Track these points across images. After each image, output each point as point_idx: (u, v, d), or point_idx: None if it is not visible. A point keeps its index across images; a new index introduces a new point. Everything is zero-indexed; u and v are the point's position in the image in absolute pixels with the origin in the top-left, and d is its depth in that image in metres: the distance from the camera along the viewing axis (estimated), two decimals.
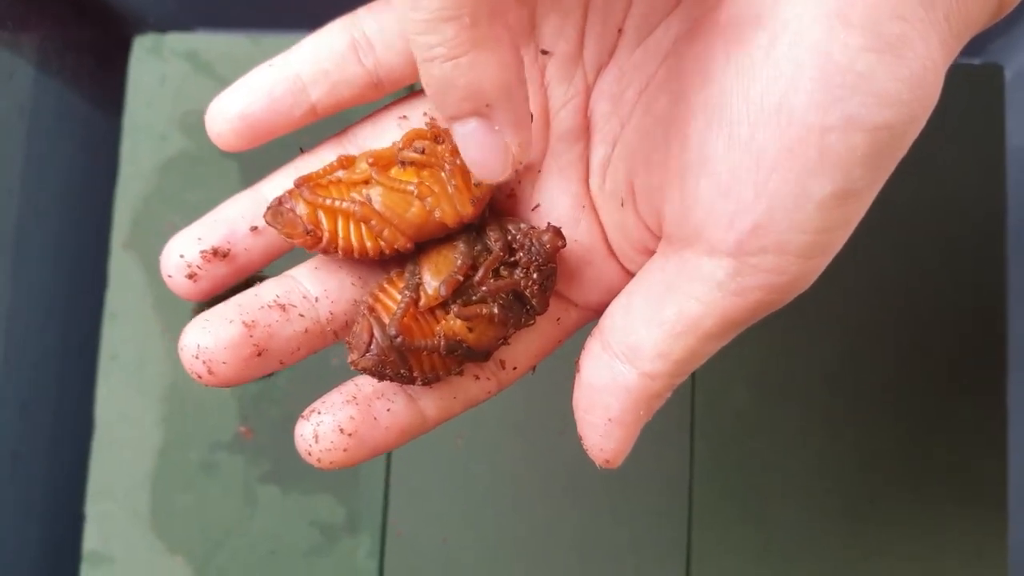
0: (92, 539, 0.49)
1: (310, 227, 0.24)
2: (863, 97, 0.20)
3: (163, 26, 0.56)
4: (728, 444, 0.49)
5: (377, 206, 0.23)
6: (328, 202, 0.24)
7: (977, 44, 0.60)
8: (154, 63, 0.52)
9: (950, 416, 0.49)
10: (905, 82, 0.20)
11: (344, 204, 0.24)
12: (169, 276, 0.25)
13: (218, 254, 0.25)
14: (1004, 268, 0.50)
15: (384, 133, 0.26)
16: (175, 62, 0.52)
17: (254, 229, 0.25)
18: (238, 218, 0.25)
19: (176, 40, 0.52)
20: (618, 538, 0.49)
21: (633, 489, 0.49)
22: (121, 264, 0.51)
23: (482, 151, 0.21)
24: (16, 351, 0.52)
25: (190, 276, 0.25)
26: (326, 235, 0.24)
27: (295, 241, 0.24)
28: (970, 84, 0.52)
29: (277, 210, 0.24)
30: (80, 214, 0.56)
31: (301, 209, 0.24)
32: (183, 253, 0.25)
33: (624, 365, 0.24)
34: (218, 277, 0.25)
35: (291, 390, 0.50)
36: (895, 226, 0.50)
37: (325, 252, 0.25)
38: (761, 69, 0.20)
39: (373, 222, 0.24)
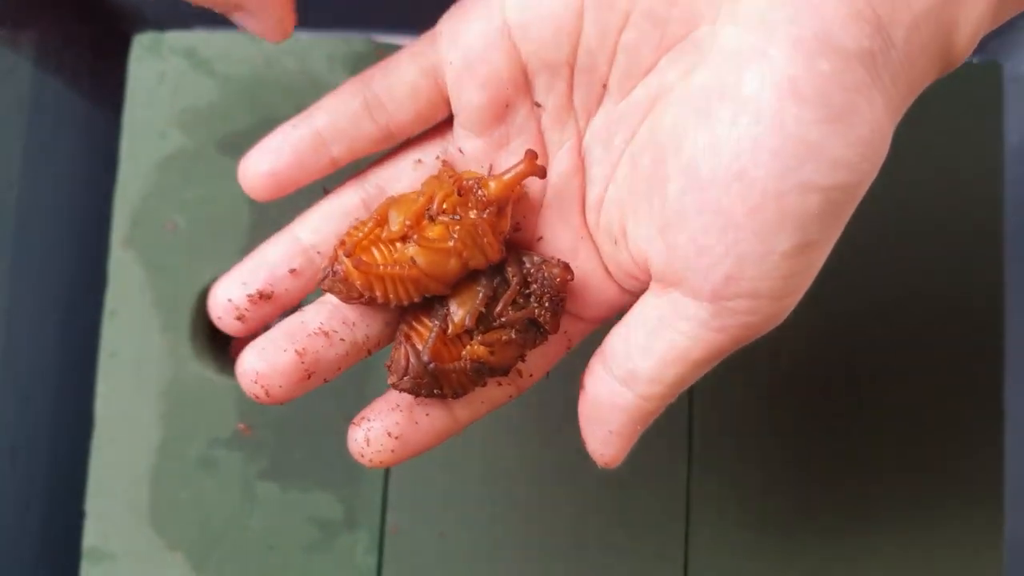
0: (92, 535, 0.49)
1: (365, 292, 0.27)
2: (815, 164, 0.23)
3: (162, 23, 0.56)
4: (725, 442, 0.50)
5: (421, 265, 0.27)
6: (380, 269, 0.27)
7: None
8: (153, 61, 0.52)
9: (947, 414, 0.50)
10: (854, 147, 0.23)
11: (395, 270, 0.27)
12: (219, 318, 0.29)
13: (263, 296, 0.28)
14: (1002, 266, 0.51)
15: (401, 175, 0.29)
16: (174, 60, 0.52)
17: (292, 271, 0.29)
18: (277, 262, 0.29)
19: (175, 38, 0.52)
20: (615, 535, 0.49)
21: (631, 486, 0.49)
22: (120, 262, 0.51)
23: (253, 28, 0.27)
24: (15, 348, 0.52)
25: (238, 318, 0.28)
26: (379, 296, 0.27)
27: (350, 303, 0.28)
28: (969, 82, 0.52)
29: (332, 281, 0.28)
30: (79, 211, 0.56)
31: (356, 279, 0.27)
32: (230, 297, 0.29)
33: (623, 387, 0.27)
34: (262, 316, 0.29)
35: None
36: (893, 224, 0.50)
37: (372, 304, 0.28)
38: (725, 143, 0.23)
39: (420, 281, 0.27)
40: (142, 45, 0.52)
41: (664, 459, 0.49)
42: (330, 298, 0.29)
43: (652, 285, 0.27)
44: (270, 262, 0.29)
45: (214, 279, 0.50)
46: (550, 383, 0.49)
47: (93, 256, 0.54)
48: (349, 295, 0.28)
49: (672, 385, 0.27)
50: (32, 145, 0.52)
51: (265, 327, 0.29)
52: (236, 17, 0.27)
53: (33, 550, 0.52)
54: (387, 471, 0.50)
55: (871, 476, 0.49)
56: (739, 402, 0.50)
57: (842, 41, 0.22)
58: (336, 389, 0.50)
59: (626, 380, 0.27)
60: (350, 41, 0.52)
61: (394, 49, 0.52)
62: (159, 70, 0.52)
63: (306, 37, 0.53)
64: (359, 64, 0.52)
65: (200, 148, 0.52)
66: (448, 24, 0.28)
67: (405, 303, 0.28)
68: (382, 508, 0.49)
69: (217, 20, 0.59)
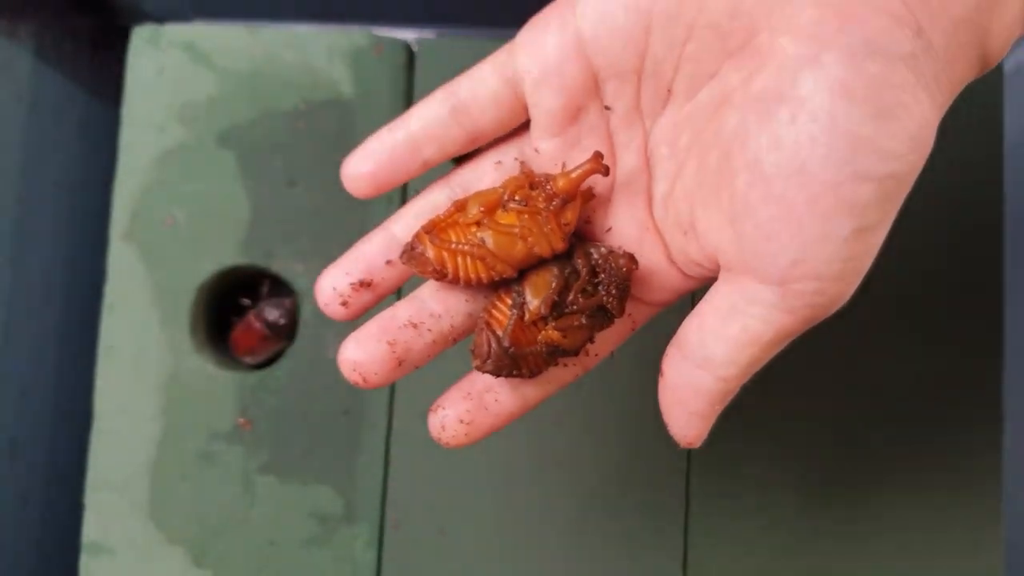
0: (91, 529, 0.49)
1: (438, 267, 0.30)
2: (867, 156, 0.25)
3: (161, 16, 0.56)
4: (725, 437, 0.50)
5: (489, 246, 0.30)
6: (453, 246, 0.30)
7: None
8: (152, 54, 0.52)
9: (946, 410, 0.50)
10: (902, 140, 0.25)
11: (465, 247, 0.30)
12: (326, 304, 0.31)
13: (363, 285, 0.31)
14: (1001, 263, 0.51)
15: (483, 176, 0.32)
16: (173, 53, 0.52)
17: (388, 262, 0.32)
18: (375, 255, 0.32)
19: (174, 31, 0.52)
20: (615, 529, 0.49)
21: (630, 480, 0.49)
22: (120, 255, 0.51)
23: None
24: (15, 342, 0.52)
25: (343, 304, 0.31)
26: (450, 271, 0.30)
27: (425, 276, 0.31)
28: None
29: (411, 254, 0.31)
30: (78, 205, 0.56)
31: (430, 252, 0.30)
32: (335, 286, 0.31)
33: (701, 371, 0.29)
34: (364, 302, 0.32)
35: (289, 382, 0.50)
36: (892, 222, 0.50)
37: (447, 282, 0.31)
38: (785, 140, 0.26)
39: (488, 260, 0.30)
40: (141, 38, 0.52)
41: (663, 453, 0.49)
42: (419, 294, 0.32)
43: (722, 275, 0.29)
44: (368, 254, 0.32)
45: (214, 273, 0.51)
46: None
47: (92, 250, 0.54)
48: (424, 269, 0.30)
49: (746, 367, 0.29)
50: (31, 138, 0.52)
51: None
52: None
53: (32, 543, 0.52)
54: (386, 464, 0.50)
55: (870, 471, 0.49)
56: (739, 397, 0.50)
57: (887, 46, 0.25)
58: (335, 384, 0.50)
59: (703, 364, 0.29)
60: (349, 34, 0.52)
61: (393, 42, 0.52)
62: (158, 63, 0.52)
63: (305, 30, 0.53)
64: (358, 57, 0.52)
65: (199, 142, 0.51)
66: (526, 36, 0.30)
67: (474, 282, 0.31)
68: (382, 502, 0.49)
69: (216, 13, 0.59)
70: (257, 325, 0.52)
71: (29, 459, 0.52)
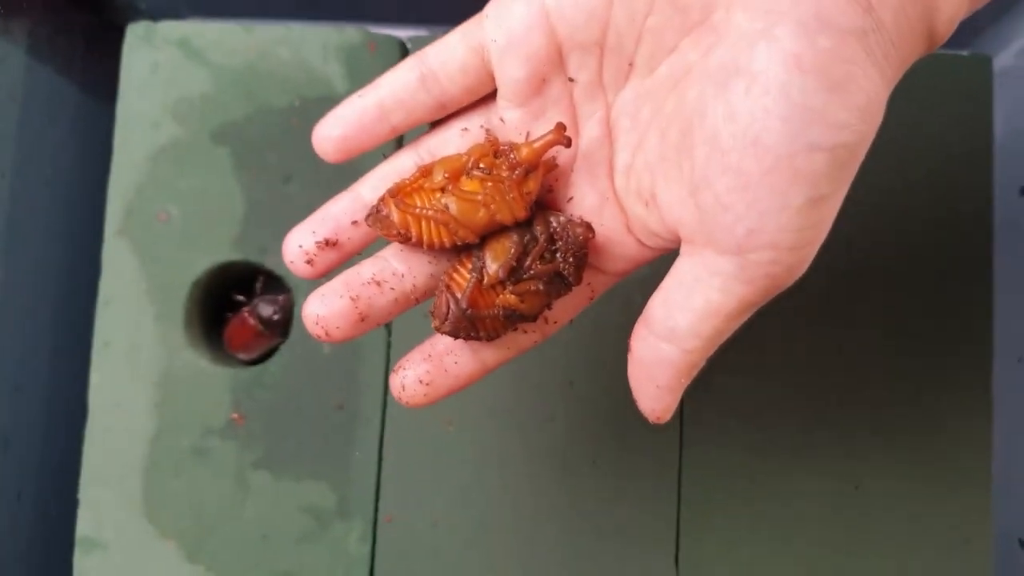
0: (85, 524, 0.49)
1: (402, 230, 0.31)
2: (820, 127, 0.26)
3: (155, 13, 0.56)
4: (716, 430, 0.50)
5: (452, 212, 0.31)
6: (417, 211, 0.31)
7: (966, 35, 0.60)
8: (146, 51, 0.52)
9: (936, 404, 0.50)
10: (852, 111, 0.26)
11: (429, 212, 0.31)
12: (291, 262, 0.32)
13: (329, 244, 0.32)
14: (990, 257, 0.51)
15: (449, 142, 0.33)
16: (167, 50, 0.52)
17: (354, 223, 0.32)
18: (341, 215, 0.32)
19: (168, 28, 0.52)
20: (607, 523, 0.49)
21: (623, 473, 0.49)
22: (114, 251, 0.51)
23: None
24: (9, 338, 0.52)
25: (308, 262, 0.32)
26: (414, 235, 0.31)
27: (390, 238, 0.32)
28: (959, 74, 0.52)
29: (376, 217, 0.31)
30: (73, 201, 0.56)
31: (395, 216, 0.31)
32: (301, 244, 0.32)
33: (667, 344, 0.30)
34: (329, 261, 0.32)
35: (283, 378, 0.50)
36: (883, 214, 0.51)
37: (411, 245, 0.32)
38: (741, 112, 0.27)
39: (450, 225, 0.31)
40: (135, 35, 0.52)
41: (656, 446, 0.50)
42: (383, 253, 0.33)
43: (684, 248, 0.30)
44: (335, 214, 0.32)
45: (208, 269, 0.51)
46: (541, 372, 0.50)
47: (87, 246, 0.54)
48: (388, 232, 0.31)
49: (710, 338, 0.30)
50: (25, 135, 0.52)
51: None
52: None
53: (26, 539, 0.52)
54: (379, 459, 0.50)
55: (860, 464, 0.50)
56: (730, 390, 0.50)
57: (838, 21, 0.26)
58: (328, 380, 0.50)
59: (668, 337, 0.30)
60: (343, 31, 0.52)
61: (387, 39, 0.53)
62: (152, 60, 0.52)
63: (299, 27, 0.53)
64: (352, 54, 0.52)
65: (193, 138, 0.52)
66: (494, 7, 0.31)
67: (436, 247, 0.31)
68: (375, 497, 0.50)
69: (210, 10, 0.59)
70: (251, 321, 0.52)
71: (23, 454, 0.52)
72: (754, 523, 0.49)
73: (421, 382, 0.33)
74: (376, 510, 0.50)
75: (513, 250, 0.31)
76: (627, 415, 0.50)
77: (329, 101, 0.52)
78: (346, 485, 0.49)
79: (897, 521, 0.49)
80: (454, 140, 0.33)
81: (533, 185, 0.31)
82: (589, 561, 0.49)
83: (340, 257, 0.33)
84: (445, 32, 0.32)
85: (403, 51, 0.53)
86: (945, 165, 0.51)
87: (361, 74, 0.52)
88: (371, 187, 0.33)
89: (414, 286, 0.33)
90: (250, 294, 0.53)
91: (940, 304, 0.51)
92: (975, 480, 0.49)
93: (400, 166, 0.33)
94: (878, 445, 0.50)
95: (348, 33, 0.52)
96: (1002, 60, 0.58)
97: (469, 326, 0.31)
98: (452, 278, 0.32)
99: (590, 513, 0.49)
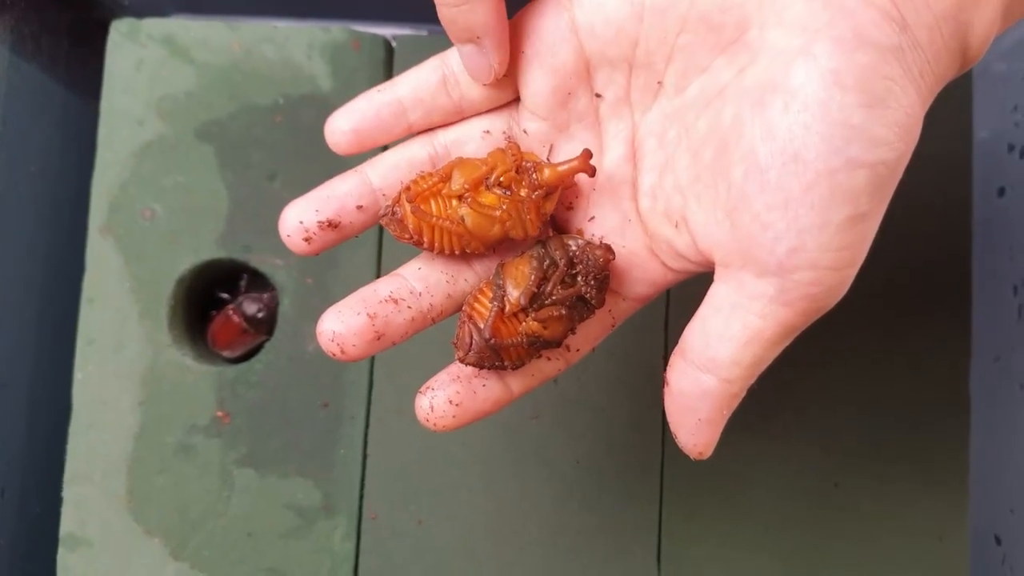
0: (69, 522, 0.49)
1: (415, 235, 0.31)
2: (860, 143, 0.26)
3: (140, 11, 0.56)
4: None
5: (468, 225, 0.31)
6: (432, 220, 0.31)
7: None
8: (131, 48, 0.52)
9: (914, 402, 0.50)
10: (892, 127, 0.26)
11: (444, 223, 0.31)
12: (288, 236, 0.31)
13: (331, 225, 0.31)
14: (969, 259, 0.51)
15: (468, 141, 0.33)
16: (152, 47, 0.52)
17: (359, 207, 0.32)
18: (347, 197, 0.32)
19: (153, 25, 0.52)
20: (590, 521, 0.49)
21: (606, 474, 0.50)
22: (98, 249, 0.51)
23: (473, 65, 0.30)
24: None
25: (306, 239, 0.31)
26: (426, 242, 0.31)
27: (401, 240, 0.31)
28: None
29: (391, 219, 0.31)
30: (56, 198, 0.56)
31: (410, 221, 0.31)
32: (302, 220, 0.31)
33: (706, 375, 0.29)
34: (327, 241, 0.32)
35: (267, 375, 0.50)
36: None
37: (422, 248, 0.32)
38: (779, 129, 0.26)
39: (464, 237, 0.31)
40: (119, 32, 0.52)
41: (638, 447, 0.50)
42: (401, 272, 0.33)
43: (718, 272, 0.29)
44: (340, 196, 0.32)
45: (192, 266, 0.51)
46: None
47: (70, 243, 0.54)
48: (401, 234, 0.31)
49: (751, 366, 0.29)
50: (8, 132, 0.52)
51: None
52: (465, 49, 0.30)
53: (9, 536, 0.52)
54: (364, 457, 0.50)
55: (839, 462, 0.50)
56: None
57: (876, 38, 0.26)
58: (313, 377, 0.50)
59: (707, 367, 0.29)
60: (329, 30, 0.52)
61: (372, 38, 0.53)
62: (137, 57, 0.52)
63: (284, 25, 0.53)
64: (337, 52, 0.52)
65: (178, 136, 0.52)
66: (521, 17, 0.31)
67: (446, 254, 0.31)
68: (360, 495, 0.50)
69: (194, 7, 0.59)
70: (236, 319, 0.52)
71: (7, 451, 0.52)
72: (735, 521, 0.50)
73: (451, 403, 0.32)
74: (361, 507, 0.50)
75: (533, 276, 0.31)
76: (611, 414, 0.50)
77: (314, 99, 0.52)
78: (331, 483, 0.50)
79: (876, 518, 0.50)
80: (474, 141, 0.33)
81: (550, 207, 0.31)
82: (572, 559, 0.49)
83: (338, 238, 0.32)
84: (430, 31, 0.32)
85: (388, 49, 0.53)
86: (925, 166, 0.52)
87: (346, 72, 0.52)
88: (381, 174, 0.32)
89: (431, 305, 0.32)
90: (234, 292, 0.53)
91: (919, 303, 0.51)
92: (953, 477, 0.50)
93: (412, 155, 0.32)
94: (857, 443, 0.50)
95: (333, 31, 0.52)
96: (982, 62, 0.59)
97: (493, 356, 0.31)
98: (473, 308, 0.31)
99: (573, 511, 0.49)
